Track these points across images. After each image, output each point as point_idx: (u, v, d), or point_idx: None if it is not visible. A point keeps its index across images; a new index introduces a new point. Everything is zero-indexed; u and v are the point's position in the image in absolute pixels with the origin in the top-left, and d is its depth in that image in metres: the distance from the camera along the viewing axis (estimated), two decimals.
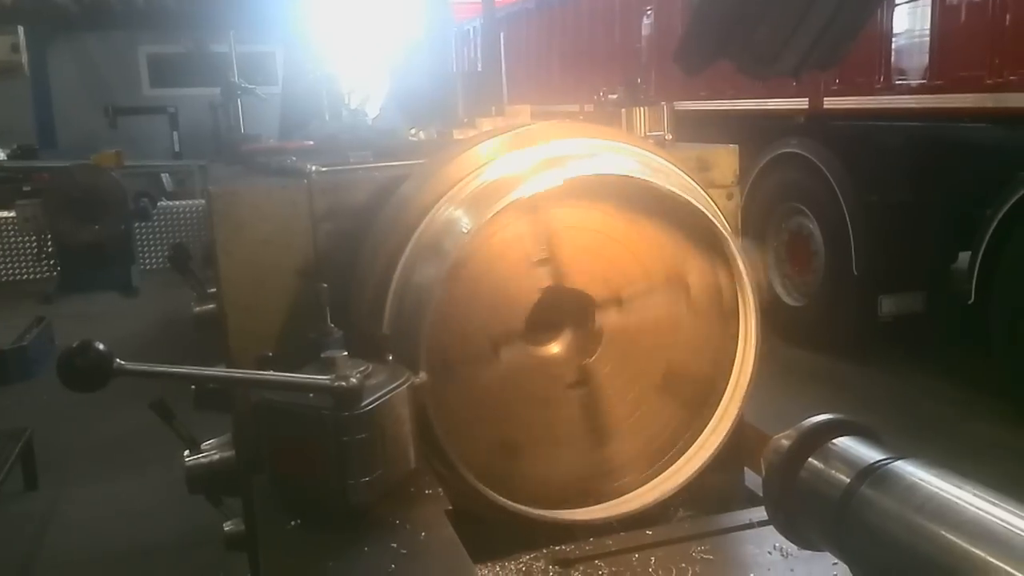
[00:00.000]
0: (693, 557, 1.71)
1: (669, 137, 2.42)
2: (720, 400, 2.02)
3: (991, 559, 1.01)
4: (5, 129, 13.81)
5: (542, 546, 1.75)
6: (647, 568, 1.68)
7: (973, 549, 1.03)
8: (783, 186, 7.12)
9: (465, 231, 1.71)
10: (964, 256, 5.93)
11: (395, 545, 1.47)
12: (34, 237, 10.56)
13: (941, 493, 1.12)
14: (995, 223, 5.21)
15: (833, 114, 6.59)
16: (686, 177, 2.00)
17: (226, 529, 2.44)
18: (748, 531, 1.81)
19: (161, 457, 3.37)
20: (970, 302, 5.44)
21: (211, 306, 2.76)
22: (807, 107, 6.74)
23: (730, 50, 1.91)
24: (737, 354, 2.01)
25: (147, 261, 11.33)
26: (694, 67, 2.04)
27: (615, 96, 2.48)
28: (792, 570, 1.65)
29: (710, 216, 1.87)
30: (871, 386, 6.10)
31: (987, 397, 5.65)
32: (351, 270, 1.95)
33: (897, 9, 5.93)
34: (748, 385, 1.99)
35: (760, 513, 1.79)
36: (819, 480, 1.25)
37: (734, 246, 1.91)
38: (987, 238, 5.27)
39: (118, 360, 1.34)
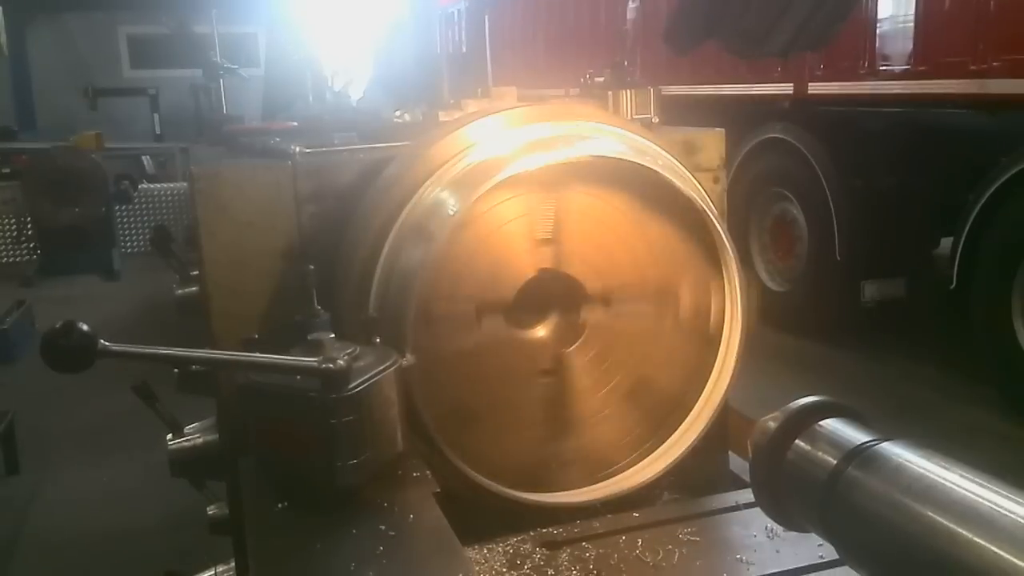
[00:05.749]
0: (679, 539, 1.71)
1: (656, 120, 2.40)
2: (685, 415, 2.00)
3: (977, 539, 1.01)
4: None
5: (530, 528, 1.75)
6: (634, 550, 1.68)
7: (959, 529, 1.03)
8: (767, 171, 7.13)
9: (452, 213, 1.70)
10: (947, 242, 5.96)
11: (383, 527, 1.46)
12: (13, 220, 10.46)
13: (928, 474, 1.12)
14: (977, 209, 5.23)
15: (818, 99, 6.60)
16: (673, 160, 1.99)
17: (210, 513, 2.43)
18: (734, 513, 1.82)
19: (143, 440, 3.35)
20: (952, 287, 5.47)
21: (194, 288, 2.74)
22: (792, 92, 6.74)
23: (719, 30, 1.90)
24: (723, 337, 2.01)
25: (128, 244, 11.23)
26: (684, 47, 2.03)
27: (601, 79, 2.46)
28: (778, 551, 1.65)
29: (696, 198, 1.87)
30: (853, 371, 6.13)
31: (968, 381, 5.69)
32: (336, 252, 1.94)
33: None
34: (734, 367, 1.98)
35: (746, 495, 1.80)
36: (806, 461, 1.25)
37: (719, 226, 1.90)
38: (969, 224, 5.29)
39: (102, 341, 1.32)
